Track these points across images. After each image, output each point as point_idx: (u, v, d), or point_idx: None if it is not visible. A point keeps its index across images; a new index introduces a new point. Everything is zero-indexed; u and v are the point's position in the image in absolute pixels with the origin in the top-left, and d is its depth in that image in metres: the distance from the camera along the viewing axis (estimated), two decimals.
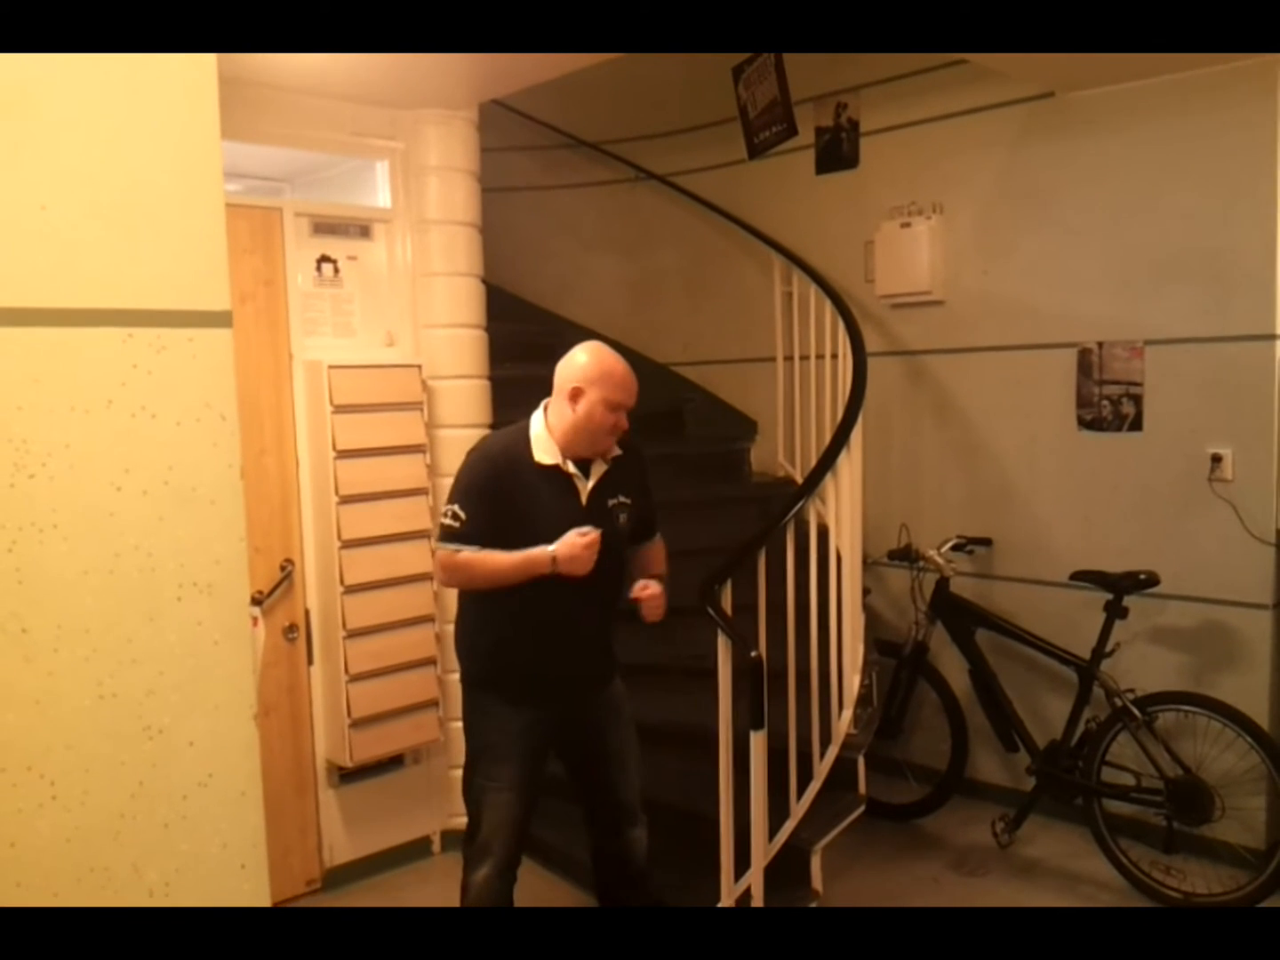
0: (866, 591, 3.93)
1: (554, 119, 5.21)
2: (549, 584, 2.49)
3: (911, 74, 4.16)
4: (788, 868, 3.12)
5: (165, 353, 1.53)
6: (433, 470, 3.66)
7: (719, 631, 2.86)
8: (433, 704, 3.68)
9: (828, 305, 4.07)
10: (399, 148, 3.71)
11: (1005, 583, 4.10)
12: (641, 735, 2.83)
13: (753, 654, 2.74)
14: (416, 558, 3.60)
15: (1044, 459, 3.98)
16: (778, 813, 3.08)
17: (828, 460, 3.36)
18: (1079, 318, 3.83)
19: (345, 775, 3.64)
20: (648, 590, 2.61)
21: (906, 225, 4.19)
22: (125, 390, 1.50)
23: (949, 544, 3.94)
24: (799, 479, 4.33)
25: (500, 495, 2.51)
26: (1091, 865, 3.58)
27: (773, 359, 4.63)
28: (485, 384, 3.85)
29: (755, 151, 4.75)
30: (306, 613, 3.54)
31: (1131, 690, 3.48)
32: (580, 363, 2.55)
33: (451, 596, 3.53)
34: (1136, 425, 3.72)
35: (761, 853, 2.92)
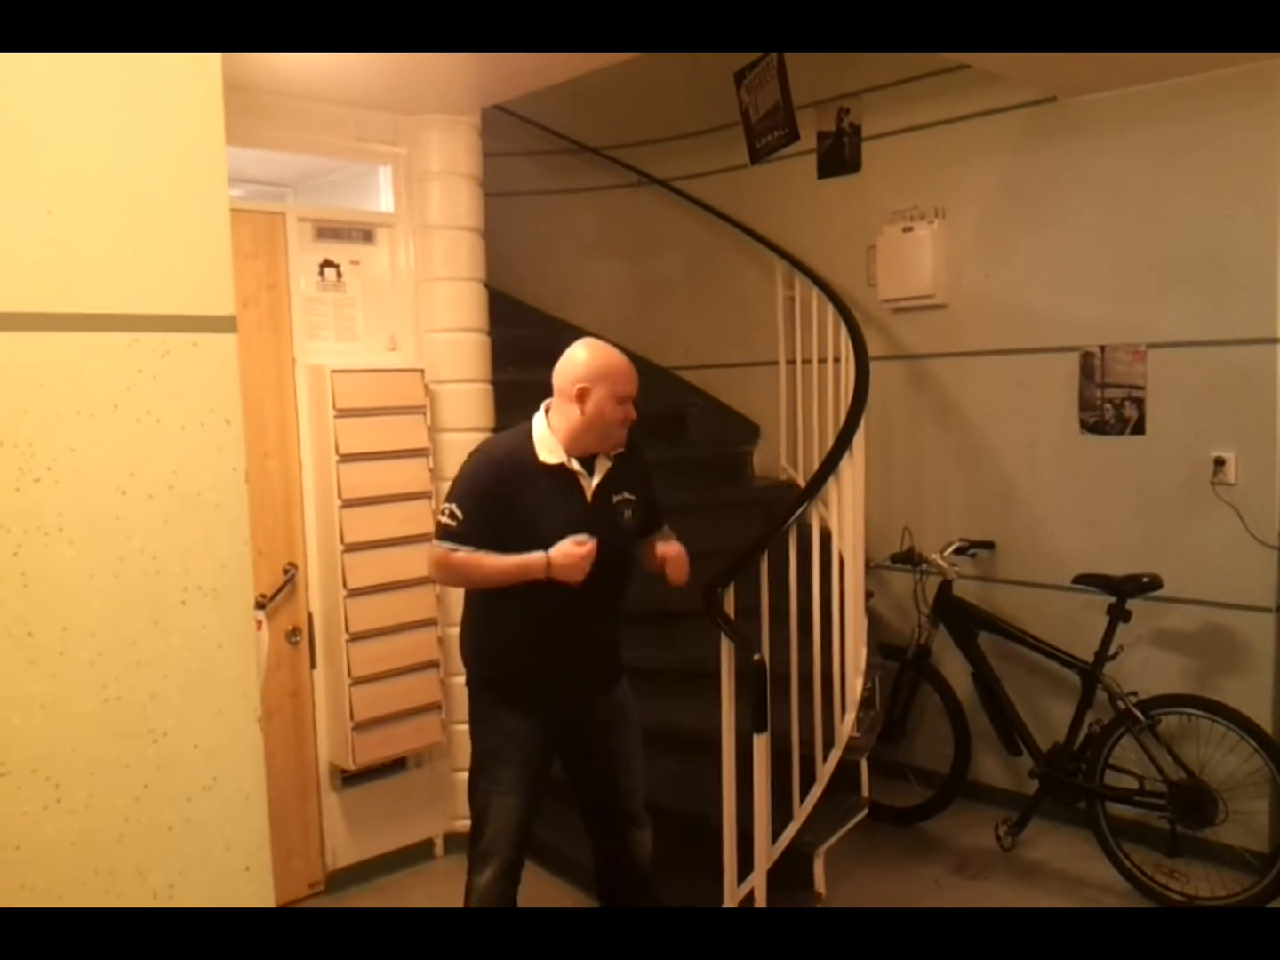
0: (869, 595, 3.93)
1: (556, 124, 5.22)
2: (555, 586, 2.49)
3: (913, 79, 4.16)
4: (790, 871, 3.12)
5: (170, 357, 1.54)
6: (435, 474, 3.66)
7: (722, 634, 2.87)
8: (435, 707, 3.68)
9: (830, 309, 4.08)
10: (402, 153, 3.72)
11: (1008, 586, 4.10)
12: (644, 738, 2.83)
13: (755, 657, 2.74)
14: (419, 561, 3.57)
15: (1046, 462, 3.98)
16: (780, 816, 3.08)
17: (830, 464, 3.36)
18: (1081, 321, 3.83)
19: (348, 778, 3.64)
20: (672, 548, 2.63)
21: (909, 229, 4.20)
22: (130, 395, 1.51)
23: (951, 547, 3.94)
24: (801, 482, 4.34)
25: (503, 497, 2.51)
26: (1094, 868, 3.57)
27: (775, 363, 4.63)
28: (488, 388, 3.86)
29: (757, 156, 4.75)
30: (309, 616, 3.55)
31: (1134, 693, 3.48)
32: (580, 360, 2.55)
33: (454, 600, 3.54)
34: (1139, 429, 3.72)
35: (764, 855, 2.92)
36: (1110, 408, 3.79)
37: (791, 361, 4.54)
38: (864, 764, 3.49)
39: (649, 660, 3.58)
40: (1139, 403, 3.71)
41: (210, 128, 1.59)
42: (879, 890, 3.52)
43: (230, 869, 1.62)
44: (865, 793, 3.50)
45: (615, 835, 2.77)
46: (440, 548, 2.53)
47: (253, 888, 1.64)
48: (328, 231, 3.58)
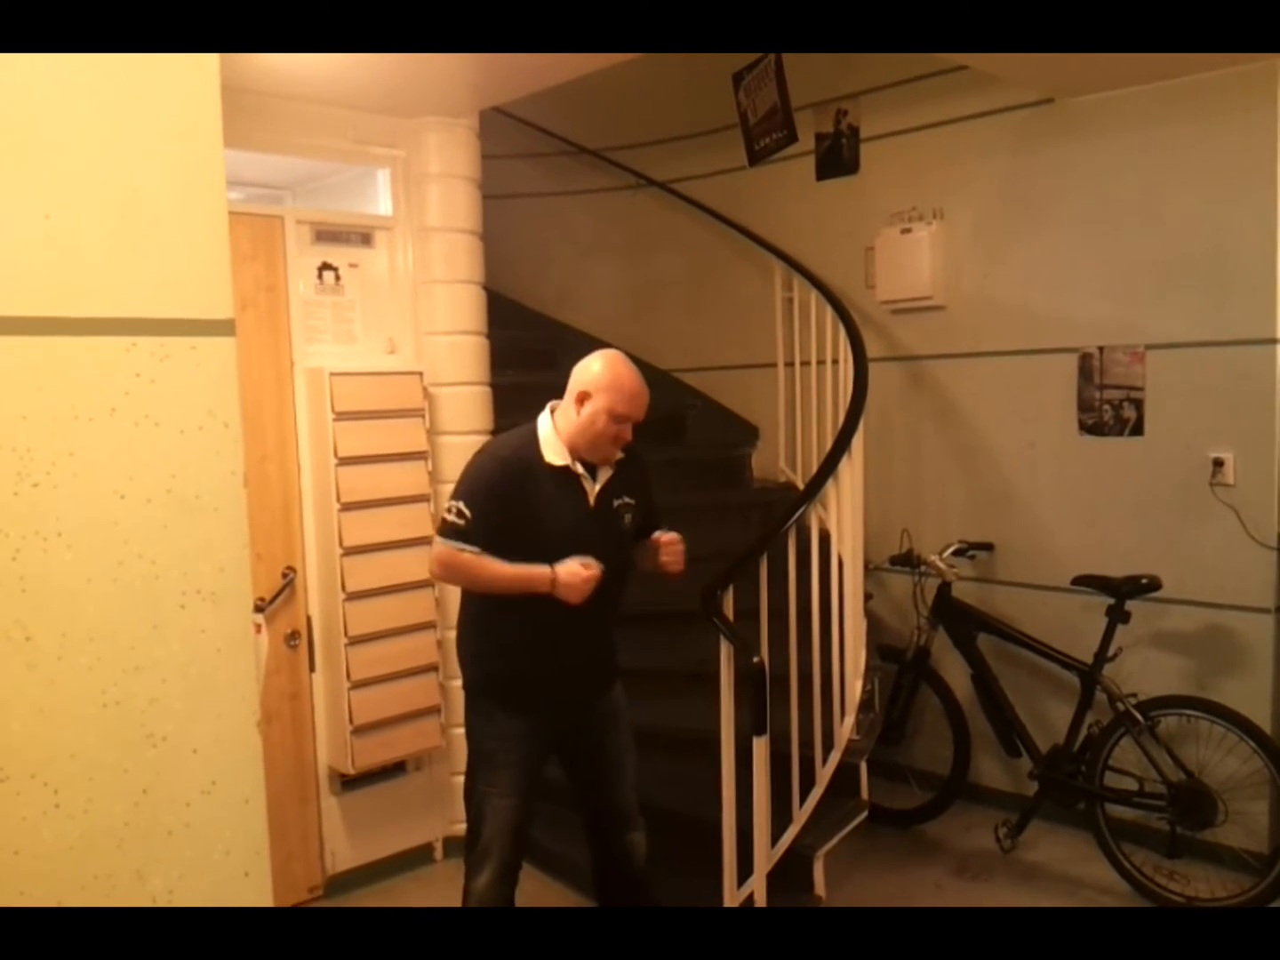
0: (868, 597, 3.93)
1: (555, 126, 5.22)
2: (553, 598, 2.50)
3: (911, 80, 4.17)
4: (790, 873, 3.12)
5: (168, 361, 1.54)
6: (434, 477, 3.66)
7: (721, 637, 2.86)
8: (434, 710, 3.68)
9: (828, 311, 4.08)
10: (400, 155, 3.72)
11: (1007, 587, 4.10)
12: (643, 740, 2.83)
13: (755, 659, 2.74)
14: (418, 564, 3.58)
15: (1045, 464, 3.98)
16: (780, 818, 3.08)
17: (829, 466, 3.37)
18: (1080, 322, 3.83)
19: (347, 782, 3.64)
20: (668, 535, 2.63)
21: (907, 231, 4.20)
22: (128, 399, 1.50)
23: (950, 549, 3.94)
24: (800, 484, 4.34)
25: (509, 496, 2.51)
26: (1094, 870, 3.57)
27: (774, 365, 4.63)
28: (487, 390, 3.86)
29: (755, 158, 4.76)
30: (308, 620, 3.55)
31: (1134, 695, 3.48)
32: (594, 369, 2.56)
33: (453, 604, 3.53)
34: (1138, 430, 3.72)
35: (764, 858, 2.92)
36: (1109, 409, 3.79)
37: (790, 363, 4.55)
38: (864, 766, 3.49)
39: (649, 662, 3.58)
40: (1138, 404, 3.71)
41: (208, 130, 1.58)
42: (879, 892, 3.51)
43: (229, 873, 1.61)
44: (865, 795, 3.50)
45: (610, 837, 2.78)
46: (446, 545, 2.52)
47: (252, 892, 1.63)
48: (326, 234, 3.58)
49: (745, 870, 2.94)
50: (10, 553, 1.41)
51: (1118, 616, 3.54)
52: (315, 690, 3.57)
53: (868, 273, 4.39)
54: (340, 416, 3.42)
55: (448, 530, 2.52)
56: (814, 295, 4.23)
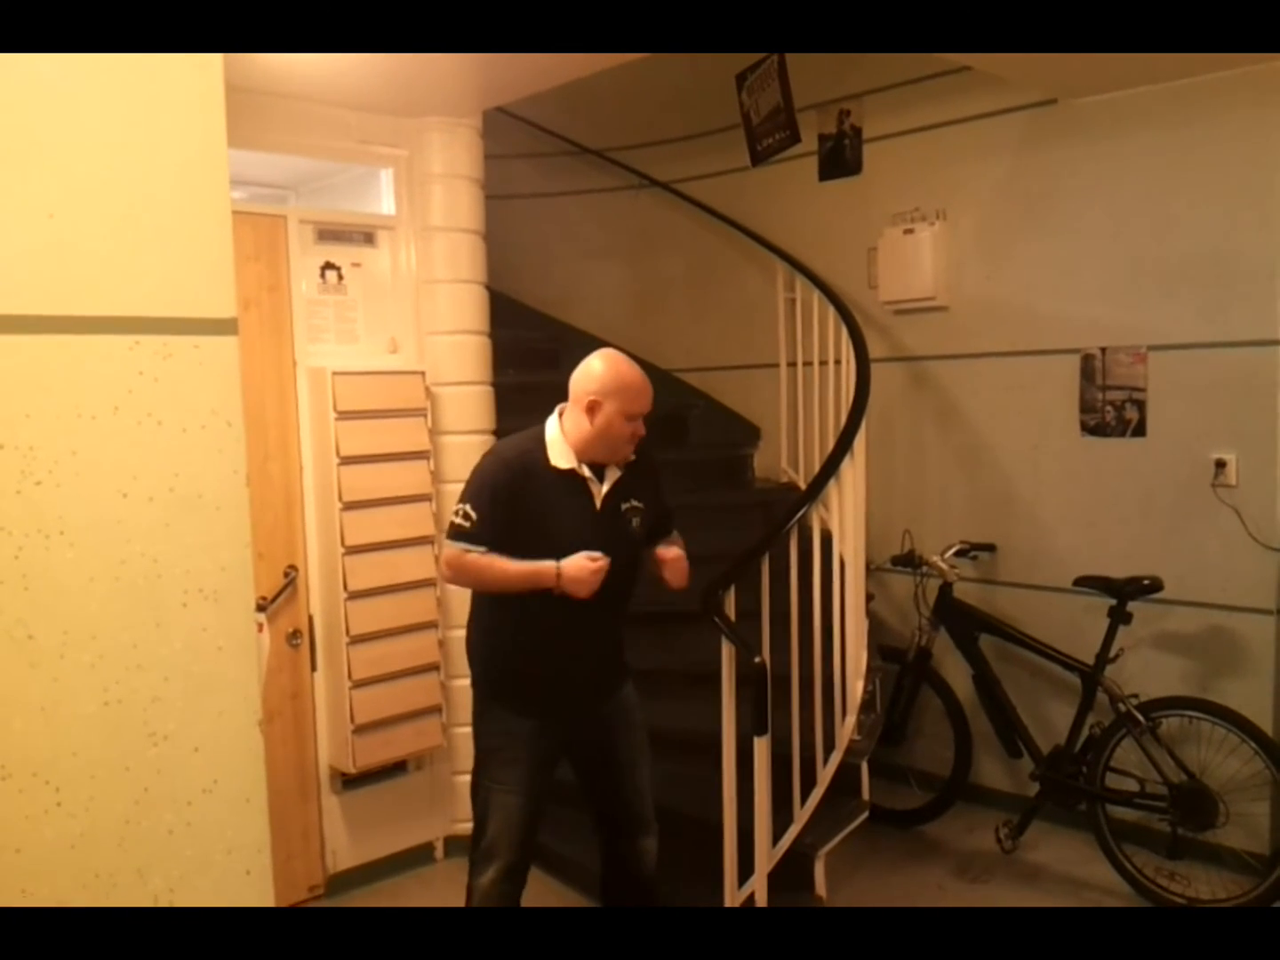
0: (870, 597, 3.93)
1: (557, 126, 5.22)
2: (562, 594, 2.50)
3: (914, 81, 4.16)
4: (791, 873, 3.12)
5: (171, 360, 1.54)
6: (436, 476, 3.66)
7: (722, 637, 2.86)
8: (436, 710, 3.68)
9: (831, 311, 4.08)
10: (403, 155, 3.72)
11: (1008, 588, 4.10)
12: (647, 742, 2.83)
13: (756, 660, 2.74)
14: (420, 563, 3.60)
15: (1047, 464, 3.98)
16: (781, 818, 3.08)
17: (831, 466, 3.36)
18: (1082, 323, 3.83)
19: (348, 781, 3.64)
20: (672, 552, 2.64)
21: (910, 231, 4.20)
22: (132, 397, 1.50)
23: (952, 550, 3.94)
24: (802, 485, 4.34)
25: (515, 499, 2.52)
26: (1095, 871, 3.57)
27: (776, 365, 4.63)
28: (489, 390, 3.86)
29: (758, 158, 4.76)
30: (310, 619, 3.55)
31: (1135, 696, 3.48)
32: (596, 373, 2.55)
33: (455, 603, 3.54)
34: (1140, 431, 3.72)
35: (765, 858, 2.92)
36: (1111, 410, 3.78)
37: (793, 364, 4.54)
38: (865, 767, 3.49)
39: (650, 662, 3.56)
40: (1140, 405, 3.71)
41: (212, 130, 1.59)
42: (880, 893, 3.51)
43: (231, 872, 1.61)
44: (866, 795, 3.50)
45: (621, 840, 2.77)
46: (454, 548, 2.53)
47: (253, 891, 1.64)
48: (329, 234, 3.58)
49: (746, 870, 2.94)
50: (13, 551, 1.41)
51: (1119, 617, 3.54)
52: (317, 689, 3.57)
53: (870, 273, 4.39)
54: (342, 416, 3.42)
55: (455, 532, 2.53)
56: (816, 296, 4.23)
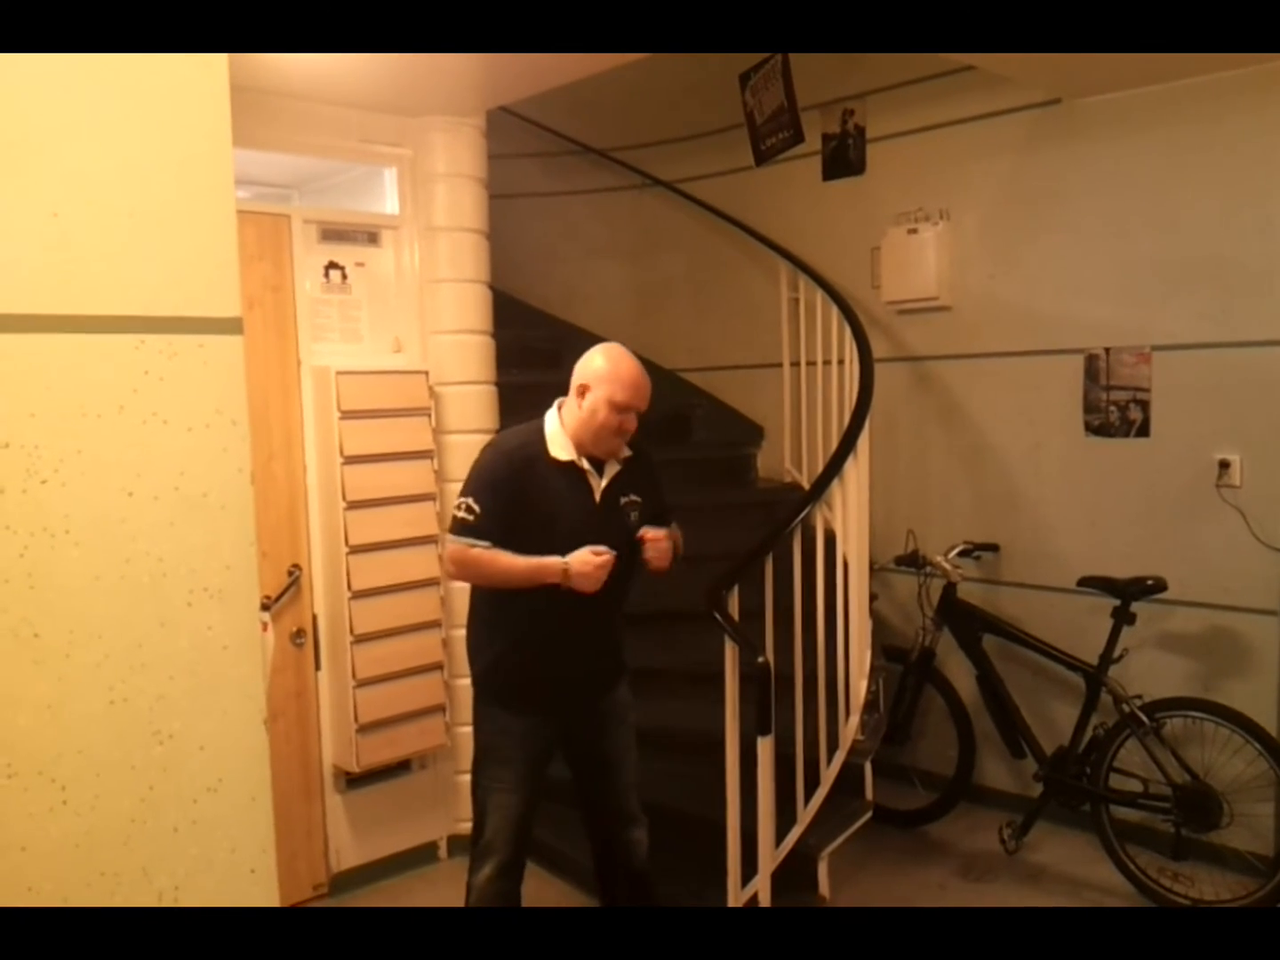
0: (873, 597, 3.93)
1: (561, 126, 5.22)
2: (558, 589, 2.50)
3: (918, 80, 4.16)
4: (794, 873, 3.12)
5: (176, 359, 1.54)
6: (440, 476, 3.66)
7: (726, 637, 2.86)
8: (439, 709, 3.68)
9: (834, 311, 4.08)
10: (407, 154, 3.72)
11: (1012, 588, 4.09)
12: (648, 740, 2.83)
13: (760, 659, 2.74)
14: (424, 563, 3.61)
15: (1051, 465, 3.98)
16: (785, 818, 3.08)
17: (834, 466, 3.36)
18: (1086, 323, 3.83)
19: (352, 780, 3.64)
20: (655, 533, 2.59)
21: (913, 231, 4.20)
22: (137, 396, 1.50)
23: (956, 550, 3.94)
24: (806, 484, 4.34)
25: (515, 490, 2.52)
26: (1099, 871, 3.57)
27: (779, 365, 4.63)
28: (492, 389, 3.86)
29: (762, 158, 4.76)
30: (314, 618, 3.55)
31: (1139, 696, 3.48)
32: (593, 362, 2.57)
33: (459, 601, 3.54)
34: (1144, 431, 3.72)
35: (768, 858, 2.92)
36: (1115, 410, 3.78)
37: (796, 363, 4.55)
38: (868, 767, 3.49)
39: (653, 661, 3.58)
40: (1144, 405, 3.71)
41: (216, 129, 1.59)
42: (883, 893, 3.51)
43: (235, 871, 1.61)
44: (869, 796, 3.50)
45: (611, 835, 2.79)
46: (457, 543, 2.53)
47: (258, 890, 1.63)
48: (333, 233, 3.58)
49: (750, 870, 2.94)
50: (18, 550, 1.41)
51: (1123, 618, 3.53)
52: (320, 688, 3.57)
53: (874, 273, 4.39)
54: (346, 415, 3.42)
55: (458, 527, 2.53)
56: (820, 295, 4.23)
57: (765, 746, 2.78)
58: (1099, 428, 3.83)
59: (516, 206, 5.07)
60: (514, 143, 5.03)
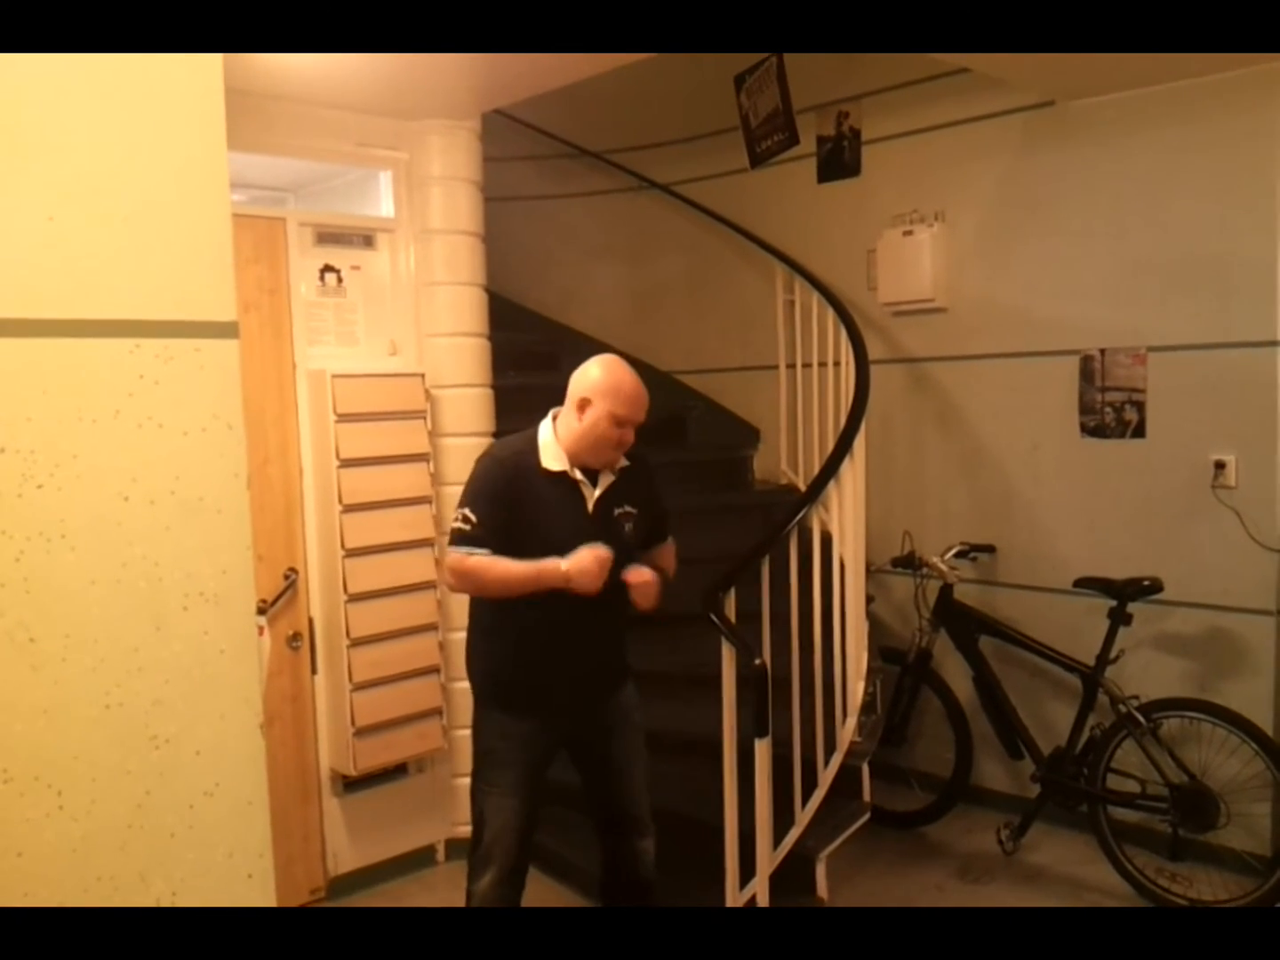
0: (870, 599, 3.93)
1: (556, 129, 5.23)
2: (558, 594, 2.49)
3: (913, 83, 4.17)
4: (792, 875, 3.12)
5: (172, 363, 1.54)
6: (436, 479, 3.66)
7: (722, 639, 2.86)
8: (436, 712, 3.68)
9: (830, 313, 4.08)
10: (402, 158, 3.72)
11: (1009, 589, 4.10)
12: (647, 742, 2.83)
13: (756, 661, 2.74)
14: (420, 566, 3.60)
15: (1047, 466, 3.98)
16: (782, 820, 3.08)
17: (831, 468, 3.36)
18: (1081, 325, 3.83)
19: (349, 784, 3.63)
20: (640, 576, 2.58)
21: (909, 233, 4.20)
22: (133, 401, 1.50)
23: (952, 551, 3.94)
24: (802, 486, 4.34)
25: (511, 500, 2.52)
26: (1097, 872, 3.57)
27: (775, 367, 4.63)
28: (488, 392, 3.86)
29: (757, 160, 4.76)
30: (310, 621, 3.55)
31: (1136, 697, 3.48)
32: (592, 375, 2.56)
33: (455, 605, 3.54)
34: (1139, 432, 3.72)
35: (766, 860, 2.91)
36: (1111, 411, 3.79)
37: (792, 365, 4.55)
38: (866, 768, 3.49)
39: (651, 664, 3.55)
40: (1139, 406, 3.72)
41: (211, 132, 1.59)
42: (881, 894, 3.51)
43: (232, 875, 1.61)
44: (867, 797, 3.50)
45: (619, 842, 2.78)
46: (457, 553, 2.52)
47: (255, 894, 1.63)
48: (328, 236, 3.58)
49: (748, 872, 2.94)
50: (14, 554, 1.41)
51: (1119, 618, 3.54)
52: (317, 692, 3.56)
53: (869, 275, 4.39)
54: (342, 418, 3.42)
55: (456, 537, 2.53)
56: (815, 297, 4.23)
57: (763, 748, 2.78)
58: (1095, 429, 3.84)
59: (512, 209, 5.07)
60: (510, 146, 5.03)
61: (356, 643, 3.47)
